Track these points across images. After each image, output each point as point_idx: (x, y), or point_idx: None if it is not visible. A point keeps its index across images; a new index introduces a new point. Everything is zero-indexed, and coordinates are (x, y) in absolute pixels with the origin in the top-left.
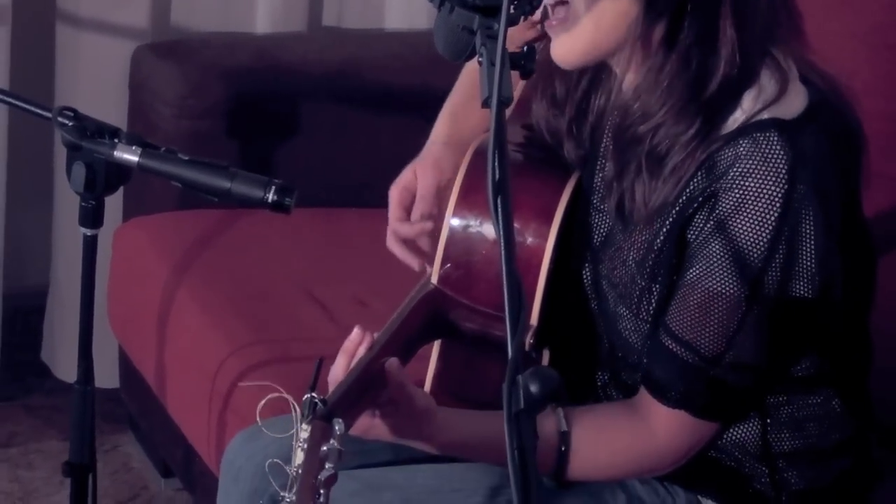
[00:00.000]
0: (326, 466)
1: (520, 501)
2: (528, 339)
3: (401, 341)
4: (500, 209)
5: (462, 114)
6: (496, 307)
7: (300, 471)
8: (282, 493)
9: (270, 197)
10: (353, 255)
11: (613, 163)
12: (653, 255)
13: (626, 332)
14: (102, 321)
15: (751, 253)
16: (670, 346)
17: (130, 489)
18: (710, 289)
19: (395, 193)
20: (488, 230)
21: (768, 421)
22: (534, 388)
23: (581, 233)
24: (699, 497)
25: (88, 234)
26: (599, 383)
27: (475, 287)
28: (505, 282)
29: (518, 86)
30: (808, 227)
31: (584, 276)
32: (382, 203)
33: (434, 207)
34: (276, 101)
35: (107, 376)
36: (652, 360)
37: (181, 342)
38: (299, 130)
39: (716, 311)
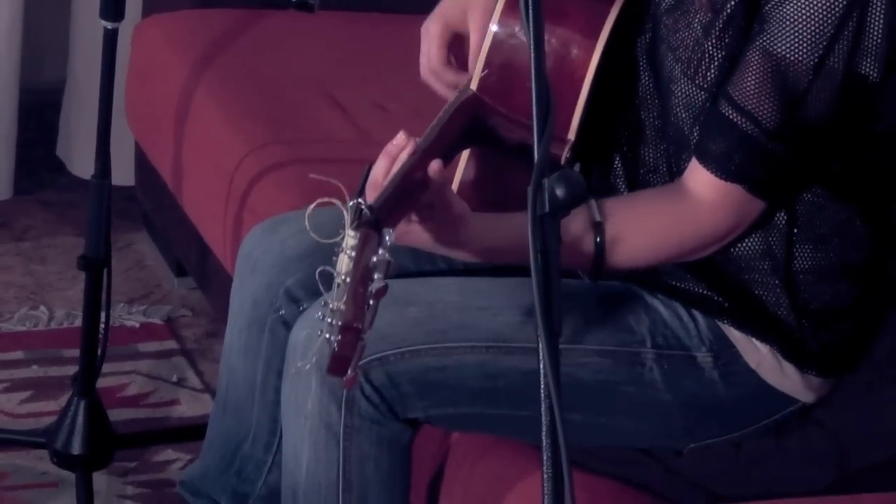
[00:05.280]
0: (375, 277)
1: (541, 305)
2: (565, 154)
3: (441, 147)
4: (529, 5)
5: None
6: (531, 117)
7: (347, 279)
8: (327, 300)
9: None
10: (375, 59)
11: None
12: (722, 19)
13: (677, 106)
14: (119, 118)
15: (825, 17)
16: (730, 116)
17: (144, 287)
18: (779, 54)
19: (433, 29)
20: None
21: (795, 231)
22: (559, 192)
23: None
24: (718, 322)
25: (109, 27)
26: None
27: (513, 96)
28: (534, 83)
29: None
30: (880, 2)
31: (639, 45)
32: (407, 8)
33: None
34: None
35: (122, 174)
36: (708, 132)
37: (198, 141)
38: None
39: (781, 79)
